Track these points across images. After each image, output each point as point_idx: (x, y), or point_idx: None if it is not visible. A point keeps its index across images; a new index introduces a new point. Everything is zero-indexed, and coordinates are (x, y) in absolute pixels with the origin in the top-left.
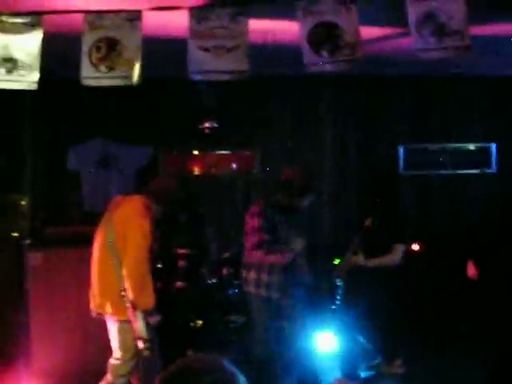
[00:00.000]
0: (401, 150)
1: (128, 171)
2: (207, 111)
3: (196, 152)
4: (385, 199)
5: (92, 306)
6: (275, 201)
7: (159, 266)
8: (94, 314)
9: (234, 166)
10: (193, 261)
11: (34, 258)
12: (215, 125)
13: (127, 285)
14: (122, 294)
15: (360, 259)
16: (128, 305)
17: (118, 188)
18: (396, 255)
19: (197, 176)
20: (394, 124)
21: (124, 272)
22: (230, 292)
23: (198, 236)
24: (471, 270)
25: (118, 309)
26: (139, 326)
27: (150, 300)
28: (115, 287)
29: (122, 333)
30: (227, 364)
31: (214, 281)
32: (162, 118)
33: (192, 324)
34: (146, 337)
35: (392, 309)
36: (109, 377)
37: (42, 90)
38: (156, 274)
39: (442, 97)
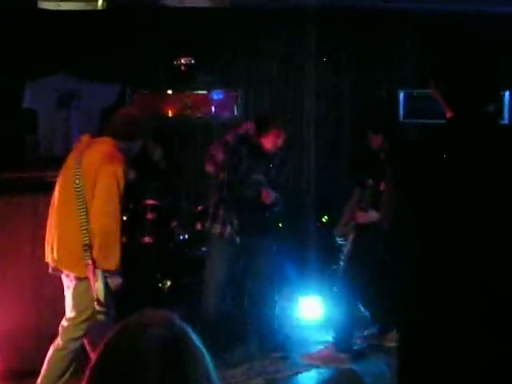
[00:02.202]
0: (401, 96)
1: (91, 111)
2: (183, 45)
3: (169, 91)
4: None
5: (48, 259)
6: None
7: (124, 218)
8: (50, 270)
9: (212, 108)
10: (163, 213)
11: None
12: (192, 61)
13: (92, 239)
14: (85, 247)
15: (374, 215)
16: (89, 261)
17: (79, 130)
18: None
19: (169, 118)
20: (394, 66)
21: (91, 224)
22: (204, 249)
23: (170, 184)
24: None
25: (77, 264)
26: (98, 286)
27: (114, 260)
28: (76, 239)
29: (78, 292)
30: (178, 320)
31: (186, 236)
32: (131, 52)
33: (160, 285)
34: (103, 299)
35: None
36: (59, 341)
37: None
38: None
39: (448, 35)
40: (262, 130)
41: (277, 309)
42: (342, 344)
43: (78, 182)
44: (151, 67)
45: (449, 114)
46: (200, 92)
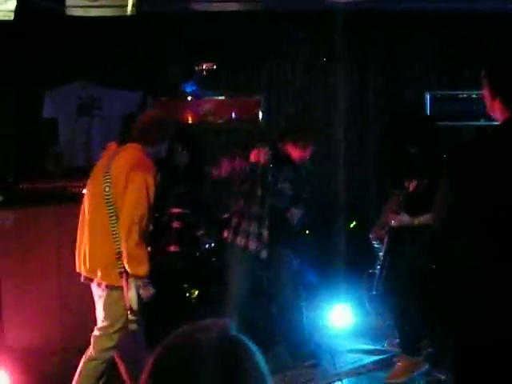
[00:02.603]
0: (427, 98)
1: (113, 118)
2: (205, 50)
3: (189, 98)
4: (424, 149)
5: (80, 269)
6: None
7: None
8: (82, 279)
9: (233, 113)
10: (189, 221)
11: (5, 218)
12: (214, 66)
13: (123, 247)
14: (117, 255)
15: (405, 219)
16: (122, 269)
17: (100, 138)
18: None
19: (191, 125)
20: (420, 67)
21: (121, 232)
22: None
23: (196, 191)
24: None
25: (110, 273)
26: (131, 294)
27: (144, 266)
28: (108, 247)
29: (111, 301)
30: (233, 325)
31: (212, 245)
32: (153, 58)
33: (187, 295)
34: (135, 308)
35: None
36: (91, 351)
37: (16, 24)
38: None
39: (476, 36)
40: (289, 141)
41: (306, 317)
42: (410, 349)
43: (107, 189)
44: (173, 73)
45: (503, 115)
46: (222, 98)
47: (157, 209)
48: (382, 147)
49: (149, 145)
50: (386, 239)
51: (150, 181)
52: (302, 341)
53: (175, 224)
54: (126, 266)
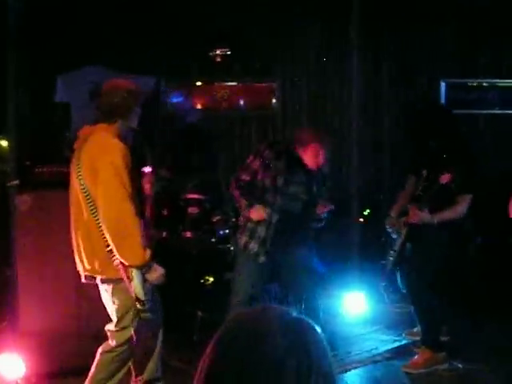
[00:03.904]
0: (442, 86)
1: None
2: (219, 36)
3: (199, 83)
4: (443, 141)
5: (81, 270)
6: (286, 148)
7: (164, 213)
8: (83, 279)
9: (245, 100)
10: (204, 207)
11: (22, 202)
12: (228, 52)
13: (111, 242)
14: (109, 248)
15: (426, 216)
16: (117, 261)
17: None
18: (464, 207)
19: (204, 111)
20: (435, 55)
21: (104, 228)
22: None
23: (210, 178)
24: None
25: (107, 267)
26: (134, 284)
27: (137, 255)
28: (98, 242)
29: (116, 294)
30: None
31: (227, 231)
32: (166, 43)
33: (202, 281)
34: (143, 297)
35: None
36: (108, 343)
37: (26, 8)
38: (160, 222)
39: (491, 24)
40: (301, 146)
41: (321, 305)
42: (431, 343)
43: (82, 182)
44: (186, 59)
45: None
46: (236, 83)
47: (173, 195)
48: (397, 136)
49: (117, 118)
50: (403, 231)
51: (119, 162)
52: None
53: (191, 209)
54: (121, 260)
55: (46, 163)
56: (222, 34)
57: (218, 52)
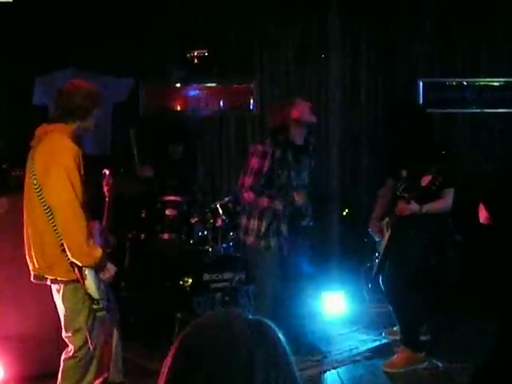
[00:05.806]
0: (419, 85)
1: (104, 106)
2: (196, 37)
3: (178, 85)
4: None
5: (31, 268)
6: (287, 138)
7: (142, 215)
8: (32, 278)
9: (224, 101)
10: (182, 209)
11: None
12: (205, 53)
13: (65, 244)
14: (62, 248)
15: (415, 207)
16: (70, 261)
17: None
18: (448, 200)
19: (182, 112)
20: (412, 53)
21: (58, 228)
22: (225, 246)
23: (188, 179)
24: (482, 215)
25: (59, 267)
26: (87, 284)
27: (90, 255)
28: (51, 242)
29: (67, 295)
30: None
31: (206, 233)
32: (144, 45)
33: (180, 283)
34: (97, 296)
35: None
36: (69, 349)
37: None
38: (137, 224)
39: (469, 22)
40: (289, 108)
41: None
42: (411, 342)
43: (35, 182)
44: (164, 60)
45: None
46: (214, 85)
47: (150, 196)
48: (375, 135)
49: (75, 119)
50: (387, 234)
51: (69, 164)
52: (301, 332)
53: (169, 211)
54: (74, 261)
55: (24, 166)
56: (200, 35)
57: (195, 53)
